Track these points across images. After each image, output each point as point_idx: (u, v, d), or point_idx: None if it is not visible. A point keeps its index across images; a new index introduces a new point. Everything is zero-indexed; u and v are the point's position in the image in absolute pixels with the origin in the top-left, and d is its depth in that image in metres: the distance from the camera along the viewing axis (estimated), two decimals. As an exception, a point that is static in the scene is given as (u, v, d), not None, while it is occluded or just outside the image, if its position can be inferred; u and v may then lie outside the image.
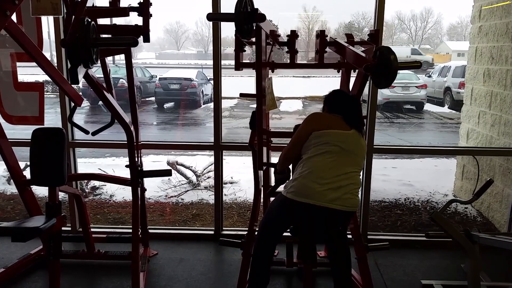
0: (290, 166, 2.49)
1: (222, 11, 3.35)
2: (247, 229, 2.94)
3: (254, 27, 2.26)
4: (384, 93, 12.76)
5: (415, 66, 2.17)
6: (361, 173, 2.40)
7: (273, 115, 3.36)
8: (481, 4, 4.66)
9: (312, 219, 2.24)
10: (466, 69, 5.08)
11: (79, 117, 11.13)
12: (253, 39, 2.40)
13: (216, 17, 2.72)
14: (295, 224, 2.34)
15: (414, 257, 3.53)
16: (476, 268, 2.50)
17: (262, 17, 2.24)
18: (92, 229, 3.42)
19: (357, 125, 2.29)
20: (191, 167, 5.70)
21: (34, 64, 2.53)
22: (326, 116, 2.36)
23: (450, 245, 3.31)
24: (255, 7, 2.19)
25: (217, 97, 3.55)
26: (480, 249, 2.53)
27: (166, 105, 14.34)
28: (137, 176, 3.07)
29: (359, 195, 2.33)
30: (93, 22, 2.11)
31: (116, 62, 14.71)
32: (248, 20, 2.19)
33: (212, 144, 3.66)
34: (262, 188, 3.03)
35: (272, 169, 2.80)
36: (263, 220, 2.45)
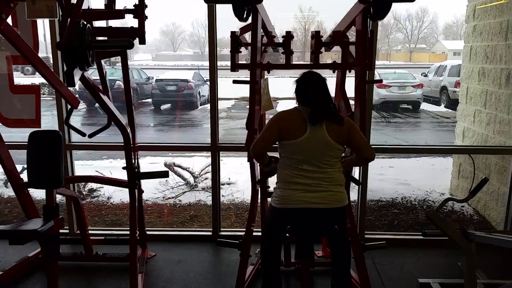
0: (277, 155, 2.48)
1: (218, 16, 3.37)
2: (244, 229, 2.95)
3: (251, 10, 2.28)
4: (380, 93, 12.81)
5: None
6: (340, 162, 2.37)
7: (270, 116, 3.37)
8: (475, 3, 4.68)
9: (301, 221, 2.29)
10: (461, 68, 5.11)
11: (75, 120, 11.12)
12: (249, 41, 2.41)
13: None
14: (291, 225, 2.36)
15: (411, 255, 3.55)
16: (472, 266, 2.52)
17: None
18: (89, 231, 3.42)
19: (318, 120, 2.26)
20: (189, 168, 5.70)
21: (30, 66, 2.53)
22: (288, 116, 2.33)
23: (447, 243, 3.33)
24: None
25: (213, 98, 3.56)
26: (477, 247, 2.55)
27: (163, 107, 14.33)
28: (134, 178, 3.07)
29: (342, 189, 2.33)
30: (88, 25, 2.12)
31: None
32: (245, 1, 2.21)
33: (209, 145, 3.66)
34: (259, 188, 3.03)
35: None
36: (262, 229, 2.56)
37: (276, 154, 2.46)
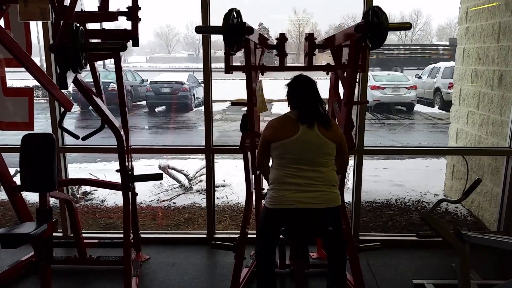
0: None
1: (212, 18, 3.37)
2: (239, 232, 2.95)
3: (243, 39, 2.29)
4: (374, 95, 12.86)
5: (406, 27, 2.22)
6: (334, 161, 2.41)
7: (264, 118, 3.40)
8: (467, 5, 4.72)
9: (294, 222, 2.29)
10: (454, 70, 5.14)
11: (69, 122, 11.06)
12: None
13: (205, 30, 2.74)
14: (285, 226, 2.36)
15: (406, 257, 3.56)
16: (466, 267, 2.53)
17: (250, 30, 2.26)
18: (83, 235, 3.40)
19: (309, 121, 2.30)
20: (183, 170, 5.69)
21: (23, 69, 2.52)
22: (277, 123, 2.38)
23: (441, 244, 3.34)
24: (244, 20, 2.22)
25: (207, 100, 3.55)
26: (470, 248, 2.56)
27: (158, 109, 14.29)
28: (128, 181, 3.06)
29: (335, 189, 2.33)
30: (81, 27, 2.11)
31: (107, 67, 14.64)
32: (237, 33, 2.21)
33: (204, 147, 3.66)
34: (254, 191, 3.03)
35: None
36: (256, 230, 2.55)
37: None
